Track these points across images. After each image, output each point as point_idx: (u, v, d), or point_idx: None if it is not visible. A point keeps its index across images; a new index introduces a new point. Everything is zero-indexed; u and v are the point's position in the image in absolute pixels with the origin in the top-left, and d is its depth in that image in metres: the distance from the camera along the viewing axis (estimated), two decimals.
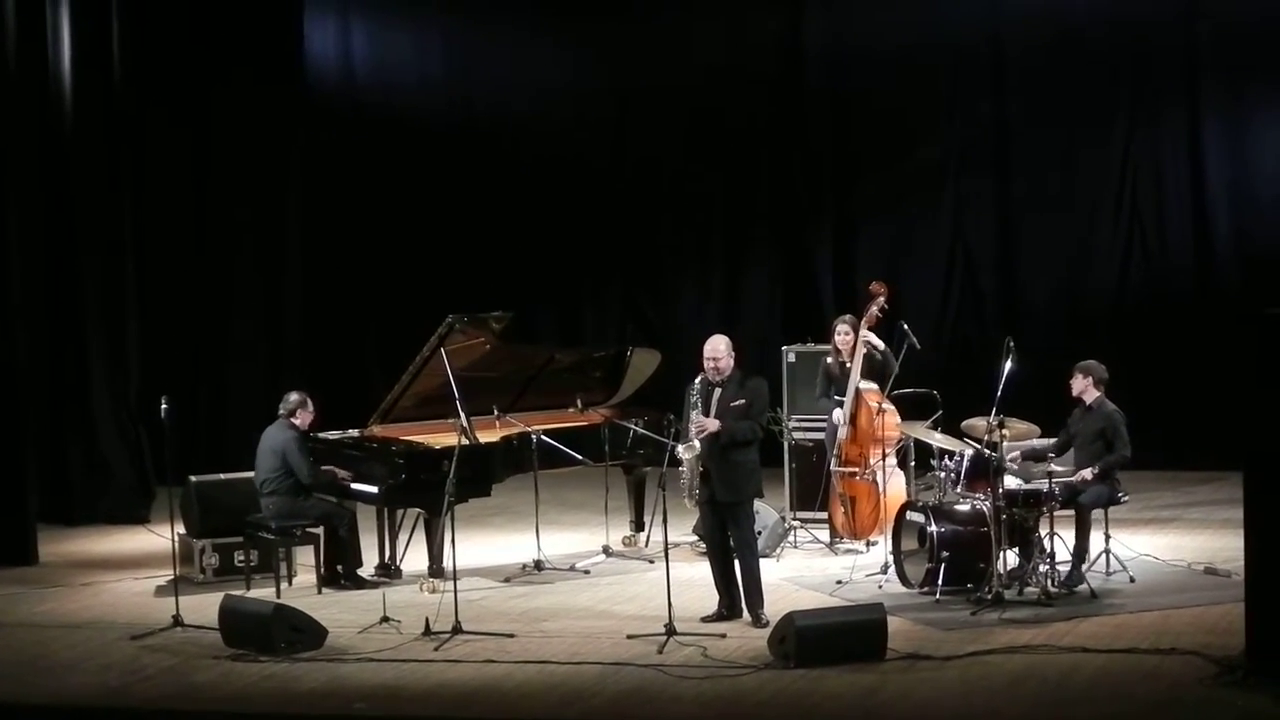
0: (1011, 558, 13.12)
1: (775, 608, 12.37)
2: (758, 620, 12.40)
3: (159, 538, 15.83)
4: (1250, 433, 10.69)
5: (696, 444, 12.45)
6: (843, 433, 14.87)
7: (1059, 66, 19.30)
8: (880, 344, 14.91)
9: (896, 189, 20.04)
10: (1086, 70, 19.26)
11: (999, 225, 19.82)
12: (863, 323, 14.93)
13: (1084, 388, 13.60)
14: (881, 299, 14.94)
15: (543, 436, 14.47)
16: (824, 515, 15.25)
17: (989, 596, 12.66)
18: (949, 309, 19.84)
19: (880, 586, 13.44)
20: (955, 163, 19.86)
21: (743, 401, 12.40)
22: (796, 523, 15.37)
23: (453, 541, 12.93)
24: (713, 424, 12.36)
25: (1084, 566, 13.26)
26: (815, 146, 20.35)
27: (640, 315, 20.99)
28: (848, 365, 14.97)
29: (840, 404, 14.94)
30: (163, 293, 19.40)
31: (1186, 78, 19.00)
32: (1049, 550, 13.08)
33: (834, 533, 15.09)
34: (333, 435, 14.93)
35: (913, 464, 15.25)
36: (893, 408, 14.70)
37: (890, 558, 13.63)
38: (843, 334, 15.05)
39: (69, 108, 17.55)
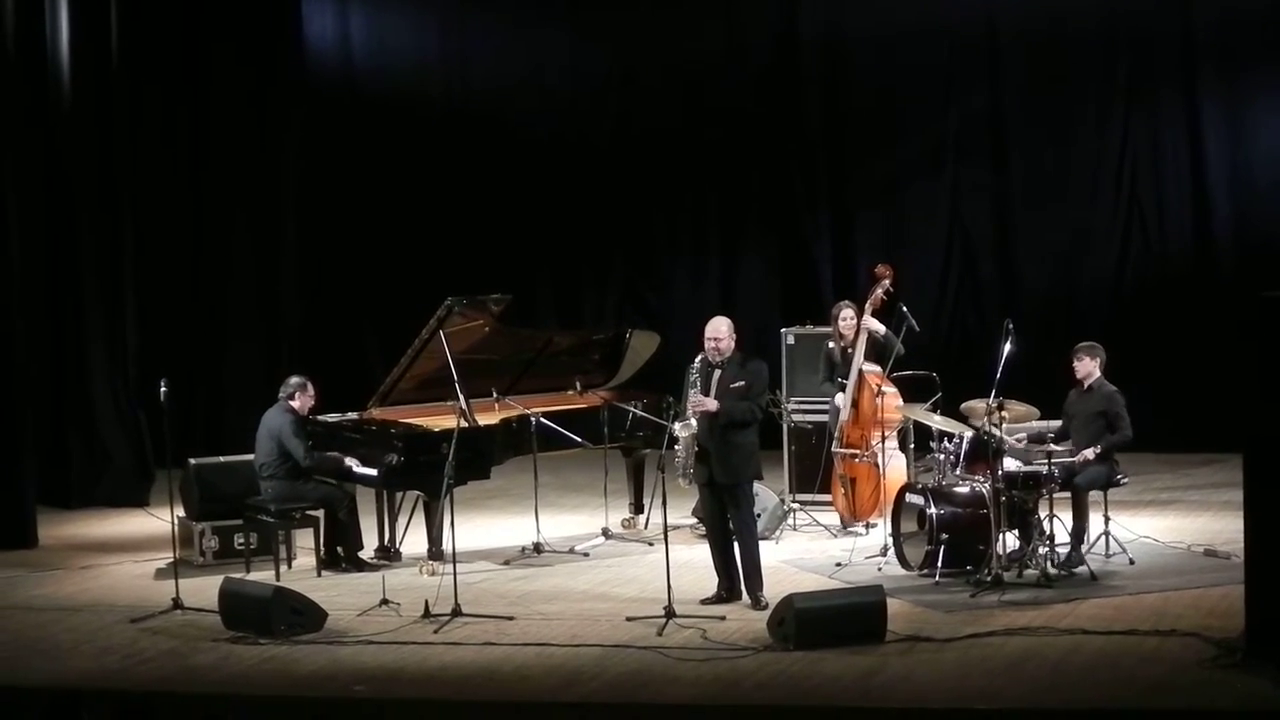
0: (1011, 540, 13.13)
1: (775, 590, 12.39)
2: (757, 603, 12.41)
3: (158, 520, 15.83)
4: (1250, 415, 10.70)
5: (693, 422, 12.46)
6: (845, 415, 14.87)
7: (1055, 51, 19.30)
8: (881, 328, 14.89)
9: (894, 176, 20.04)
10: (1083, 55, 19.25)
11: (997, 211, 19.81)
12: (866, 305, 14.92)
13: (1091, 370, 13.58)
14: (886, 281, 14.93)
15: (542, 419, 14.48)
16: (827, 498, 15.25)
17: (988, 579, 12.66)
18: (947, 295, 19.83)
19: (880, 569, 13.45)
20: (952, 149, 19.85)
21: (742, 383, 12.40)
22: (796, 505, 15.38)
23: (452, 524, 12.94)
24: (711, 403, 12.36)
25: (1083, 548, 13.27)
26: (812, 132, 20.34)
27: (639, 298, 20.99)
28: (850, 350, 14.96)
29: (843, 387, 14.94)
30: (161, 275, 19.39)
31: (1184, 62, 18.98)
32: (1048, 532, 13.09)
33: (844, 520, 15.07)
34: (332, 418, 14.92)
35: (912, 446, 15.25)
36: (894, 390, 14.70)
37: (890, 540, 13.64)
38: (847, 319, 15.03)
39: (67, 91, 17.51)
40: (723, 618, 12.16)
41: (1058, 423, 13.68)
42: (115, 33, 18.03)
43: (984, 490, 13.01)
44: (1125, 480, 13.77)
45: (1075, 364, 13.63)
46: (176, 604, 12.73)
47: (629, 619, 12.19)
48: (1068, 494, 13.28)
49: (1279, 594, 10.56)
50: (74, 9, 17.51)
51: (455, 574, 12.54)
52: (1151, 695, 10.34)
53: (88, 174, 17.72)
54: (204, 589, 12.90)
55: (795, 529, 15.13)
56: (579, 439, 14.68)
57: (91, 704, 11.08)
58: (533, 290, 20.21)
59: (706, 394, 12.44)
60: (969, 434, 13.37)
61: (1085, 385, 13.59)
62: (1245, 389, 10.74)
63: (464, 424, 13.80)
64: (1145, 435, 14.35)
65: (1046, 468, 12.97)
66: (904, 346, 14.81)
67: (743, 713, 10.54)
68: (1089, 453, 13.32)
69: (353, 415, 14.98)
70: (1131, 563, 13.41)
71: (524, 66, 20.90)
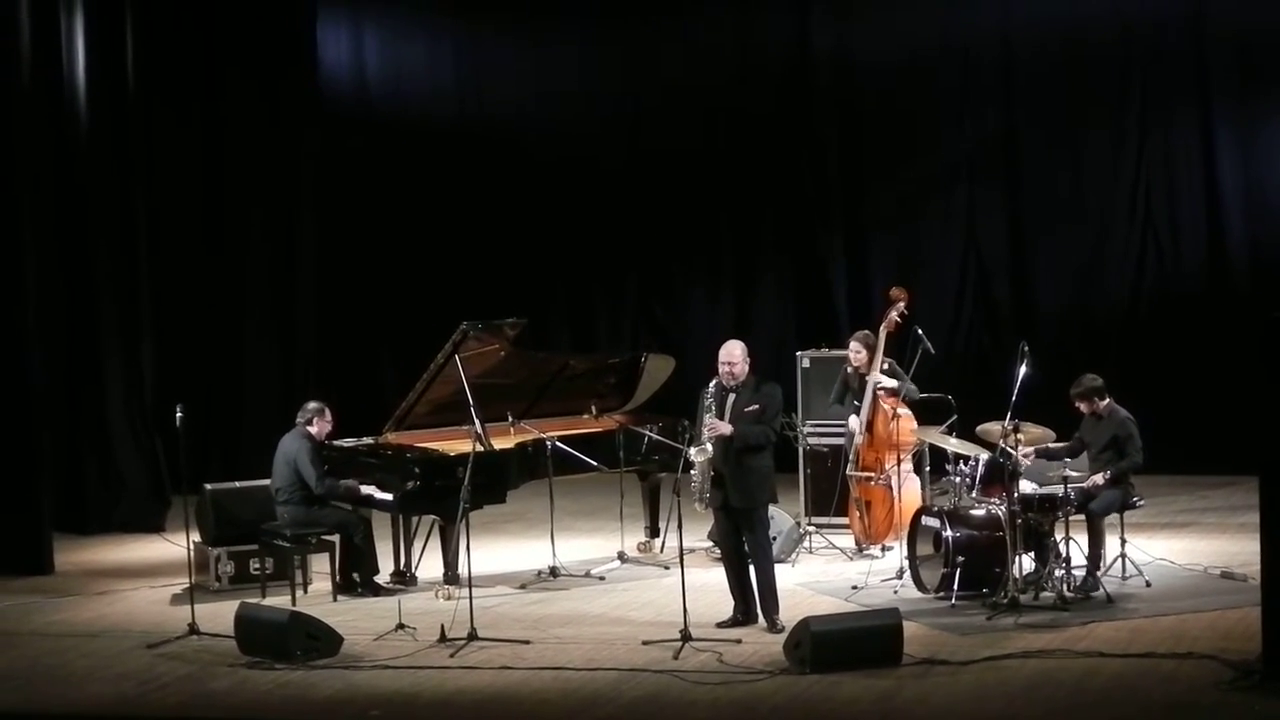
0: (1027, 562, 13.12)
1: (791, 613, 12.38)
2: (773, 626, 12.39)
3: (174, 546, 15.83)
4: (1265, 437, 10.68)
5: (708, 446, 12.45)
6: (859, 438, 14.86)
7: (1069, 72, 19.33)
8: (891, 383, 14.84)
9: (908, 196, 20.06)
10: (1097, 76, 19.29)
11: (1011, 232, 19.83)
12: (881, 328, 14.91)
13: (1093, 408, 13.58)
14: (901, 304, 14.93)
15: (557, 443, 14.47)
16: (843, 521, 15.24)
17: (1004, 601, 12.65)
18: (962, 317, 19.84)
19: (895, 591, 13.43)
20: (966, 170, 19.87)
21: (756, 406, 12.40)
22: (811, 528, 15.37)
23: (468, 548, 12.93)
24: (725, 427, 12.35)
25: (1100, 571, 13.25)
26: (825, 154, 20.37)
27: (654, 322, 21.02)
28: (866, 376, 14.94)
29: (858, 410, 14.94)
30: (177, 301, 19.42)
31: (1198, 83, 19.00)
32: (1064, 555, 13.07)
33: (859, 542, 15.06)
34: (348, 443, 14.92)
35: (927, 469, 15.24)
36: (909, 412, 14.69)
37: (906, 563, 13.62)
38: (854, 352, 15.02)
39: (83, 117, 17.55)
40: (739, 641, 12.14)
41: (1065, 444, 13.67)
42: (131, 58, 18.08)
43: (1000, 513, 13.00)
44: (1141, 503, 13.75)
45: (1081, 408, 13.62)
46: (192, 629, 12.74)
47: (645, 643, 12.17)
48: (1083, 517, 13.26)
49: None
50: (90, 34, 17.55)
51: (471, 598, 12.54)
52: (1169, 718, 10.33)
53: (104, 199, 17.75)
54: (220, 614, 12.90)
55: (811, 552, 15.12)
56: (594, 463, 14.68)
57: None
58: (547, 314, 20.27)
59: (721, 418, 12.43)
60: (985, 456, 13.35)
61: (1100, 415, 13.59)
62: (1261, 410, 10.73)
63: (479, 448, 13.80)
64: (1161, 457, 14.36)
65: (1062, 490, 12.96)
66: (916, 387, 14.80)
67: None
68: (1098, 478, 13.32)
69: (369, 440, 14.99)
70: (1148, 585, 13.39)
71: (537, 89, 20.96)
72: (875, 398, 14.82)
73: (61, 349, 17.45)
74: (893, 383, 14.82)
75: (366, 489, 14.28)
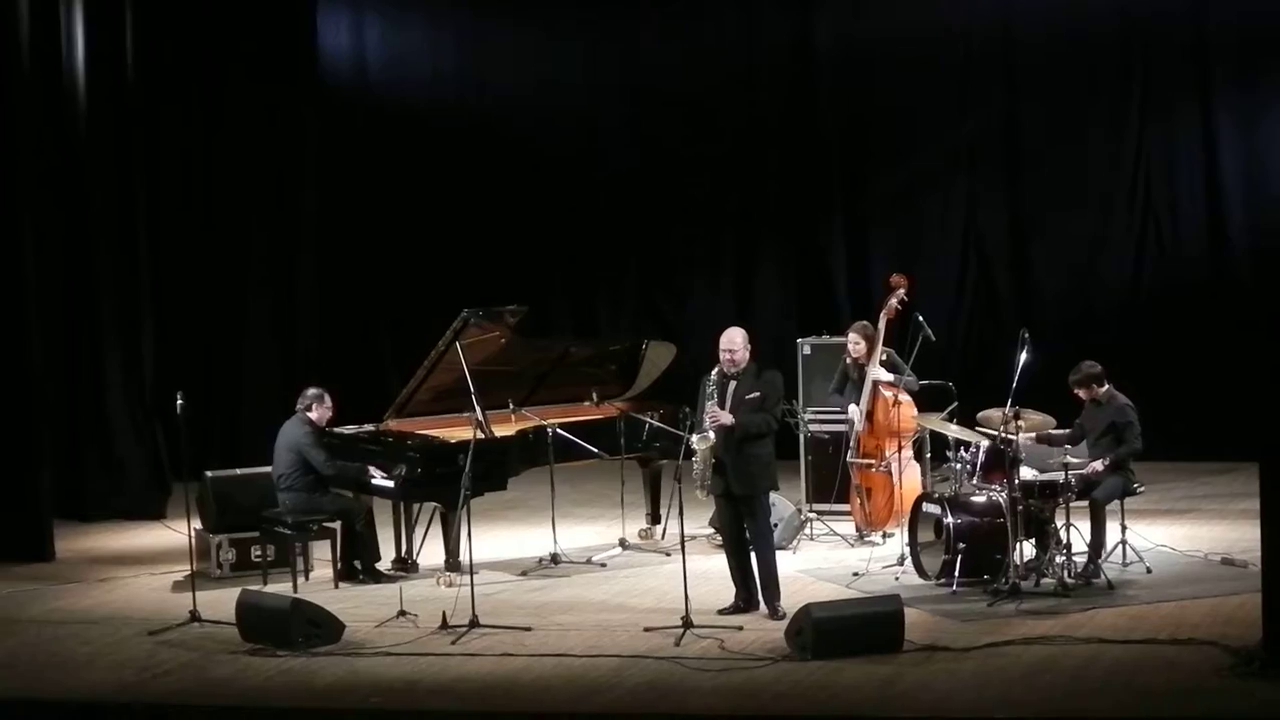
0: (1028, 549, 13.12)
1: (792, 600, 12.38)
2: (774, 612, 12.40)
3: (175, 533, 15.83)
4: (1266, 423, 10.68)
5: (710, 435, 12.45)
6: (859, 425, 14.86)
7: (1070, 60, 19.28)
8: (889, 376, 14.85)
9: (909, 185, 20.03)
10: (1098, 64, 19.25)
11: (1012, 220, 19.79)
12: (882, 315, 14.90)
13: (1092, 395, 13.58)
14: (901, 291, 14.93)
15: (558, 430, 14.48)
16: (844, 508, 15.24)
17: (1006, 588, 12.65)
18: (963, 304, 19.81)
19: (897, 578, 13.44)
20: (967, 158, 19.84)
21: (757, 394, 12.40)
22: (813, 515, 15.37)
23: (469, 535, 12.94)
24: (726, 417, 12.35)
25: (1100, 558, 13.24)
26: (827, 142, 20.32)
27: (655, 309, 20.98)
28: (865, 368, 14.93)
29: (858, 400, 14.93)
30: (177, 289, 19.40)
31: (1198, 70, 18.96)
32: (1065, 541, 13.07)
33: (860, 529, 15.06)
34: (348, 430, 14.93)
35: (928, 455, 15.24)
36: (909, 399, 14.69)
37: (907, 549, 13.63)
38: (853, 343, 15.02)
39: (82, 106, 17.53)
40: (740, 628, 12.15)
41: (1066, 431, 13.67)
42: (130, 47, 18.05)
43: (1001, 499, 13.00)
44: (1141, 489, 13.75)
45: (1080, 395, 13.62)
46: (194, 616, 12.74)
47: (647, 629, 12.19)
48: (1084, 503, 13.26)
49: None
50: (89, 24, 17.52)
51: (473, 585, 12.54)
52: (1169, 704, 10.32)
53: (104, 187, 17.73)
54: (221, 601, 12.91)
55: (812, 539, 15.12)
56: (596, 450, 14.68)
57: (109, 717, 11.10)
58: (549, 301, 20.22)
59: (722, 405, 12.43)
60: (985, 443, 13.35)
61: (1099, 401, 13.59)
62: (1261, 396, 10.73)
63: (481, 435, 13.80)
64: (1162, 443, 14.34)
65: (1063, 476, 12.96)
66: (915, 378, 14.80)
67: None
68: (1097, 465, 13.31)
69: (370, 427, 15.00)
70: (1148, 571, 13.39)
71: (538, 78, 20.91)
72: (875, 385, 14.81)
73: (61, 337, 17.44)
74: (890, 377, 14.81)
75: (372, 470, 14.29)
